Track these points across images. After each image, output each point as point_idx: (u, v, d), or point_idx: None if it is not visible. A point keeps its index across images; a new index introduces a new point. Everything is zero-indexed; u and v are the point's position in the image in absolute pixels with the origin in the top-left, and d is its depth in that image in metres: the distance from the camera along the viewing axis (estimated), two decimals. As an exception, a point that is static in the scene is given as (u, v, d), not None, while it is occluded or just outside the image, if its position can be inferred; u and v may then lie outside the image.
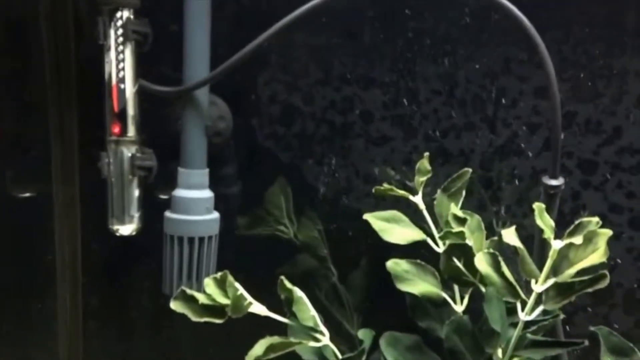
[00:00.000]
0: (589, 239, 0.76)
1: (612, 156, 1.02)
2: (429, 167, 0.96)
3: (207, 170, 0.95)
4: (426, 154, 0.96)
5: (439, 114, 1.05)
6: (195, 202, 0.93)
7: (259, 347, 0.83)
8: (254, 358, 0.81)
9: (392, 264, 0.95)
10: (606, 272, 0.78)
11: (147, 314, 1.12)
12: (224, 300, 0.79)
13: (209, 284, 0.81)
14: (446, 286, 0.97)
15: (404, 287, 0.94)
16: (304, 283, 1.08)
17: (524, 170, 1.04)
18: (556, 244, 0.77)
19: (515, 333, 0.90)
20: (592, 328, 1.00)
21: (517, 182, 1.05)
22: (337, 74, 1.05)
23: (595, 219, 0.76)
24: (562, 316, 0.93)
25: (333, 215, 1.10)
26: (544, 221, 0.76)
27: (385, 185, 0.96)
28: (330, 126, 1.07)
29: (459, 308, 0.96)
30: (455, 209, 0.92)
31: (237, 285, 0.80)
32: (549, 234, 0.76)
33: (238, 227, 1.11)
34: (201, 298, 0.80)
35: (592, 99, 1.01)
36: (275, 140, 1.09)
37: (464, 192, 0.97)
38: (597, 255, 0.76)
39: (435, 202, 0.97)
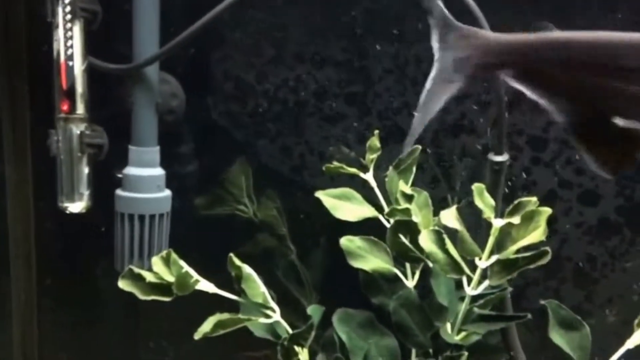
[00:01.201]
0: (530, 217, 0.77)
1: (560, 133, 1.04)
2: (379, 145, 0.97)
3: (157, 148, 0.95)
4: (376, 131, 0.97)
5: (391, 92, 1.06)
6: (146, 179, 0.93)
7: (208, 324, 0.83)
8: (202, 334, 0.82)
9: (345, 241, 0.96)
10: (548, 248, 0.79)
11: (102, 292, 1.13)
12: (170, 278, 0.80)
13: (156, 262, 0.81)
14: (399, 262, 0.98)
15: (356, 264, 0.95)
16: (262, 261, 1.10)
17: (474, 147, 1.06)
18: (497, 223, 0.78)
19: (462, 307, 0.92)
20: (542, 302, 1.02)
21: (468, 159, 1.07)
22: (290, 52, 1.06)
23: (534, 199, 0.77)
24: (509, 290, 0.95)
25: (289, 194, 1.11)
26: (484, 201, 0.77)
27: (335, 163, 0.97)
28: (284, 104, 1.08)
29: (410, 283, 0.97)
30: (403, 186, 0.93)
31: (182, 263, 0.81)
32: (488, 213, 0.77)
33: (197, 207, 1.11)
34: (148, 276, 0.81)
35: (541, 76, 1.02)
36: (229, 118, 1.09)
37: (414, 169, 0.98)
38: (537, 234, 0.77)
39: (386, 179, 0.98)
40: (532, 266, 0.80)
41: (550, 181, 1.06)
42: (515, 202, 0.78)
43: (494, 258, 0.82)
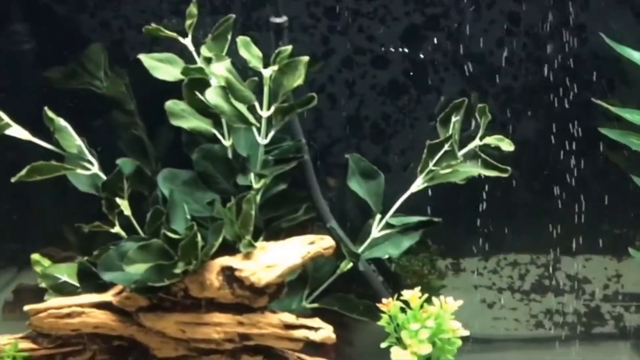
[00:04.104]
0: (295, 67, 0.89)
1: (352, 3, 1.15)
2: (196, 12, 1.04)
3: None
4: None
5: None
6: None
7: (25, 170, 0.93)
8: (18, 177, 0.91)
9: (171, 104, 1.03)
10: (314, 94, 0.92)
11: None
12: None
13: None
14: (219, 125, 1.08)
15: (176, 122, 1.03)
16: (111, 134, 1.18)
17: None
18: (266, 72, 0.89)
19: (259, 156, 1.05)
20: (346, 155, 1.16)
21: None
22: None
23: (289, 47, 0.89)
24: (302, 140, 1.09)
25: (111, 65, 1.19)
26: (250, 52, 0.88)
27: (154, 25, 1.04)
28: (99, -21, 1.14)
29: (227, 143, 1.08)
30: (205, 50, 1.02)
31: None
32: (255, 63, 0.88)
33: (51, 80, 1.16)
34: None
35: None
36: (48, -7, 1.15)
37: (229, 37, 1.06)
38: (300, 79, 0.90)
39: (204, 46, 1.05)
40: (303, 109, 0.92)
41: (346, 49, 1.19)
42: (275, 51, 0.89)
43: (274, 107, 0.94)
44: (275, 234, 1.08)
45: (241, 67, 0.98)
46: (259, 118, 0.98)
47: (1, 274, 1.26)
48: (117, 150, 1.11)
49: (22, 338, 0.98)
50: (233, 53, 1.01)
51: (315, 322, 0.97)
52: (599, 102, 1.14)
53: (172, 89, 1.03)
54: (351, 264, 1.12)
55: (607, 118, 1.15)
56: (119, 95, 1.19)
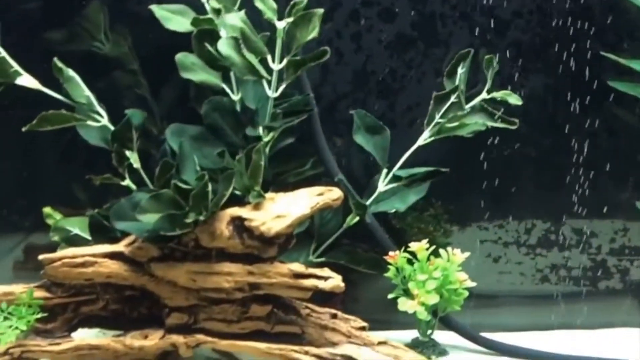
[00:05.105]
0: (308, 19, 0.89)
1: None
2: None
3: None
4: None
5: None
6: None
7: (36, 119, 0.94)
8: (29, 127, 0.92)
9: (181, 56, 1.04)
10: (327, 48, 0.92)
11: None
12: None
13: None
14: (228, 80, 1.08)
15: (186, 75, 1.04)
16: (115, 95, 1.19)
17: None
18: (280, 24, 0.89)
19: (268, 109, 1.05)
20: (351, 111, 1.17)
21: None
22: None
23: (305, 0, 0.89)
24: (311, 95, 1.09)
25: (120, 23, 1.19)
26: (265, 4, 0.88)
27: None
28: None
29: (235, 97, 1.09)
30: (213, 2, 1.02)
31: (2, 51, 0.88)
32: (270, 15, 0.88)
33: (51, 42, 1.17)
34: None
35: None
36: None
37: None
38: (314, 32, 0.90)
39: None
40: (316, 63, 0.92)
41: (353, 1, 1.18)
42: (291, 3, 0.89)
43: (285, 60, 0.94)
44: (282, 188, 1.09)
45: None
46: (269, 71, 0.99)
47: (11, 234, 1.28)
48: (121, 111, 1.11)
49: (36, 287, 1.00)
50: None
51: (325, 271, 0.98)
52: (608, 55, 1.14)
53: (176, 47, 1.04)
54: (357, 218, 1.14)
55: (618, 73, 1.16)
56: (122, 56, 1.19)
